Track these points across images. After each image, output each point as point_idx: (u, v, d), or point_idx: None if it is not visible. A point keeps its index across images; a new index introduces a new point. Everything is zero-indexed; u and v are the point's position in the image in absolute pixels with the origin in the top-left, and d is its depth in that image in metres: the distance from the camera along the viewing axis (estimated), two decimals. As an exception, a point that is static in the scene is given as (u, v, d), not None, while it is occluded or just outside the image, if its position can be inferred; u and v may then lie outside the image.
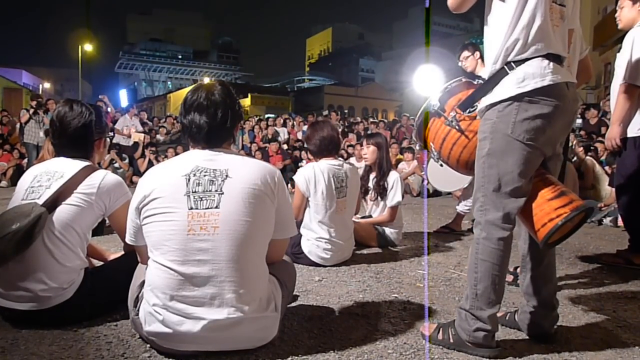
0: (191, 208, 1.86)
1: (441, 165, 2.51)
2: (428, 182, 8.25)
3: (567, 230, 2.05)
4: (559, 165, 2.19)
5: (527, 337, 2.20)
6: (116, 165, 11.47)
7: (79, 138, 2.38)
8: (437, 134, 2.36)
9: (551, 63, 1.98)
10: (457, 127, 2.27)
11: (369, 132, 15.47)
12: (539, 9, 1.96)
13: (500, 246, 1.99)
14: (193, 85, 2.12)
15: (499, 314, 2.32)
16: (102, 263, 2.61)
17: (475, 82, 2.29)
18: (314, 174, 3.53)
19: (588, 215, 2.03)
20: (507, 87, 1.98)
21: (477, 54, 4.36)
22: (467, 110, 2.23)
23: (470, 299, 2.02)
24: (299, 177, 3.58)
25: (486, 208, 2.02)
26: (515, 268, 3.19)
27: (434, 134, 2.38)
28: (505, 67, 2.00)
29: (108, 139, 2.68)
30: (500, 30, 2.01)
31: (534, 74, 1.95)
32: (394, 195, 4.24)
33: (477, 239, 2.04)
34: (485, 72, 2.12)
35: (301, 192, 3.54)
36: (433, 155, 2.47)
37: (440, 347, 2.07)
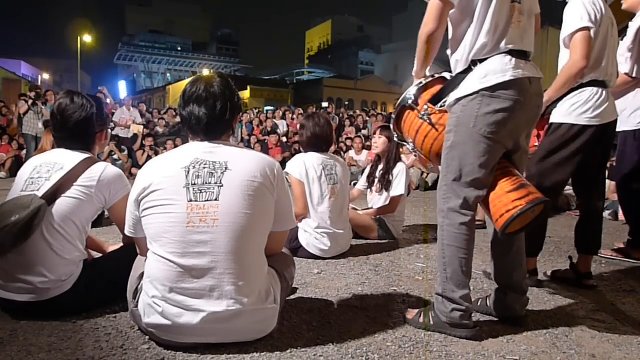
0: (190, 200, 1.85)
1: (415, 155, 2.61)
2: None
3: (528, 220, 2.15)
4: (524, 158, 2.28)
5: (526, 331, 2.21)
6: (115, 157, 11.45)
7: (80, 131, 2.36)
8: (412, 127, 2.43)
9: (513, 59, 2.08)
10: (428, 121, 2.35)
11: (368, 125, 15.48)
12: (497, 11, 2.06)
13: (463, 231, 2.11)
14: (192, 77, 2.11)
15: None
16: (101, 255, 2.60)
17: (448, 78, 2.33)
18: (303, 163, 3.60)
19: (548, 208, 2.13)
20: (472, 83, 2.09)
21: None
22: (439, 105, 2.29)
23: (442, 283, 2.15)
24: (291, 167, 3.63)
25: (448, 196, 2.15)
26: None
27: (409, 126, 2.45)
28: (471, 64, 2.12)
29: (109, 131, 2.66)
30: (465, 34, 2.12)
31: (496, 70, 2.06)
32: (398, 185, 4.24)
33: (442, 226, 2.17)
34: (453, 70, 2.23)
35: (297, 179, 3.57)
36: (408, 146, 2.54)
37: (440, 340, 2.08)
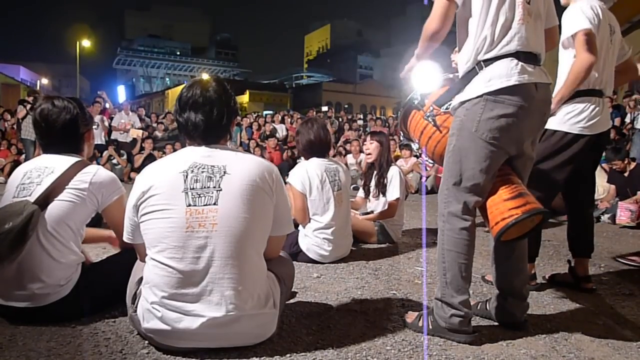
0: (189, 205, 1.85)
1: (418, 156, 2.64)
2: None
3: (526, 229, 2.15)
4: (529, 165, 2.25)
5: (525, 334, 2.21)
6: (114, 161, 11.45)
7: (68, 134, 2.33)
8: (417, 127, 2.45)
9: (520, 63, 2.04)
10: (432, 122, 2.35)
11: (367, 129, 15.50)
12: (501, 6, 2.04)
13: (464, 236, 2.09)
14: (188, 82, 2.10)
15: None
16: (99, 259, 2.59)
17: (455, 80, 2.33)
18: (306, 172, 3.55)
19: (545, 217, 2.13)
20: (476, 86, 2.07)
21: None
22: (444, 107, 2.28)
23: (441, 287, 2.14)
24: (293, 178, 3.58)
25: (449, 200, 2.13)
26: None
27: (415, 125, 2.48)
28: (476, 66, 2.09)
29: (94, 130, 2.63)
30: (469, 31, 2.10)
31: (501, 74, 2.03)
32: (393, 189, 4.24)
33: (442, 231, 2.15)
34: (459, 71, 2.20)
35: (299, 191, 3.52)
36: (414, 145, 2.56)
37: (439, 344, 2.08)
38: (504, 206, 2.05)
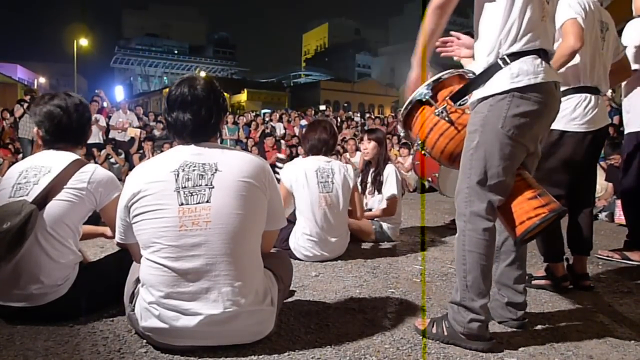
0: (182, 204, 1.84)
1: (424, 154, 2.50)
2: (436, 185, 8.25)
3: (540, 229, 2.10)
4: (535, 162, 2.23)
5: (523, 332, 2.21)
6: (112, 160, 11.43)
7: (83, 128, 2.39)
8: (425, 123, 2.33)
9: (543, 62, 2.02)
10: (446, 119, 2.26)
11: (366, 127, 15.51)
12: (528, 2, 1.99)
13: (486, 236, 2.01)
14: (176, 80, 2.08)
15: None
16: (96, 258, 2.59)
17: (467, 75, 2.27)
18: (295, 169, 3.60)
19: (561, 217, 2.10)
20: (501, 82, 2.00)
21: None
22: (458, 103, 2.22)
23: (461, 290, 2.03)
24: (283, 172, 3.65)
25: (471, 199, 2.04)
26: None
27: (422, 122, 2.35)
28: (499, 61, 2.01)
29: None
30: (493, 23, 2.03)
31: (528, 71, 1.98)
32: (390, 187, 4.24)
33: (463, 231, 2.05)
34: (477, 65, 2.12)
35: (285, 187, 3.58)
36: (417, 144, 2.48)
37: (437, 342, 2.07)
38: (529, 205, 2.00)
